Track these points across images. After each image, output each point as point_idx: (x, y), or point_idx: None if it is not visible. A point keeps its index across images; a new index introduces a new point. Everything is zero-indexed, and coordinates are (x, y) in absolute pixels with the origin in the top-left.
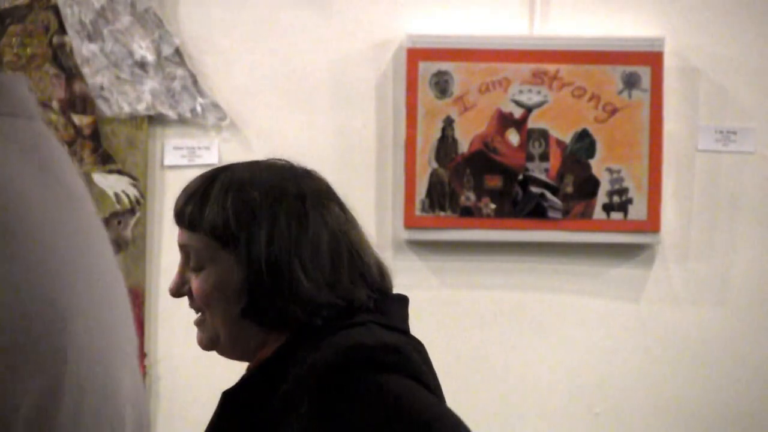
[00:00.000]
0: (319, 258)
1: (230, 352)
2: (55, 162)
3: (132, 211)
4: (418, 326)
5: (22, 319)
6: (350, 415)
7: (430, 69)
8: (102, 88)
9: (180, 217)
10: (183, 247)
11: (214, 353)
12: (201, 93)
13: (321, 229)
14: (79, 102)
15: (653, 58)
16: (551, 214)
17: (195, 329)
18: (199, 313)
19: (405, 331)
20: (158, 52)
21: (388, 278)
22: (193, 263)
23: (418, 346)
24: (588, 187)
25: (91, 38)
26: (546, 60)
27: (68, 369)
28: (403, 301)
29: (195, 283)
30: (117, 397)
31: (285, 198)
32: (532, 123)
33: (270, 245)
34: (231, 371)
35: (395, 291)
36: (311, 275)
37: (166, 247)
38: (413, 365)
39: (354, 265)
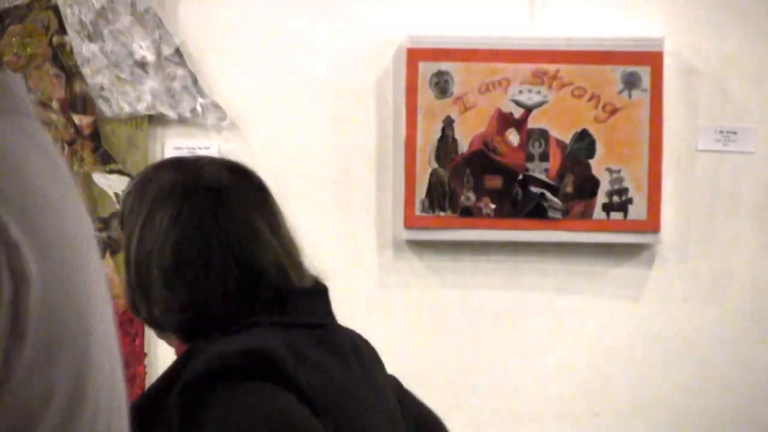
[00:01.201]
0: (184, 259)
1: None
2: (59, 160)
3: None
4: (418, 326)
5: (57, 315)
6: (207, 426)
7: (430, 69)
8: (102, 88)
9: None
10: None
11: None
12: (201, 93)
13: (192, 230)
14: (79, 102)
15: (653, 58)
16: (551, 214)
17: None
18: None
19: (310, 324)
20: (158, 52)
21: (296, 274)
22: None
23: (325, 339)
24: (588, 187)
25: (91, 38)
26: (546, 60)
27: (91, 370)
28: (312, 293)
29: None
30: (120, 400)
31: (169, 197)
32: (532, 123)
33: (139, 244)
34: None
35: (399, 294)
36: (170, 278)
37: None
38: (277, 370)
39: (232, 267)
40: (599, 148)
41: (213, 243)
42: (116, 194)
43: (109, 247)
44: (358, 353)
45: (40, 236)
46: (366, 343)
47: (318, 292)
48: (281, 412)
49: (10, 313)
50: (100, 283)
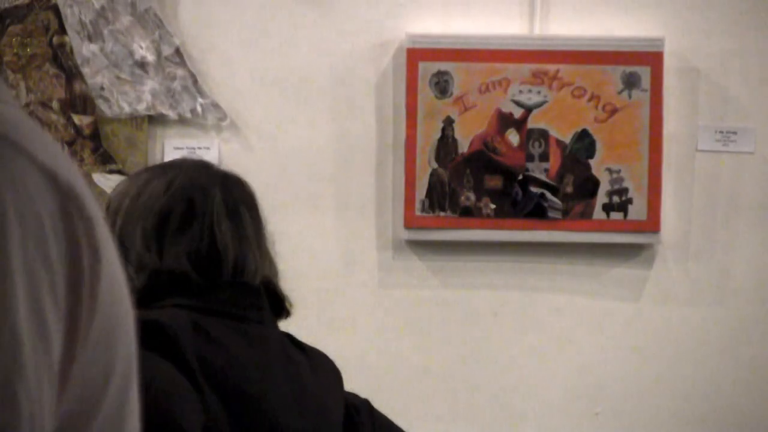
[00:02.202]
0: (167, 225)
1: None
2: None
3: None
4: (418, 326)
5: (117, 296)
6: None
7: (430, 69)
8: (102, 88)
9: None
10: None
11: None
12: (201, 93)
13: (179, 201)
14: (79, 102)
15: (653, 58)
16: (551, 214)
17: None
18: None
19: (230, 314)
20: (158, 52)
21: (249, 271)
22: None
23: (241, 329)
24: (588, 187)
25: (91, 38)
26: (546, 60)
27: (135, 358)
28: (241, 287)
29: None
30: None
31: (169, 169)
32: (532, 123)
33: (132, 202)
34: None
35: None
36: (150, 240)
37: None
38: (165, 342)
39: (203, 246)
40: (599, 148)
41: (196, 216)
42: None
43: None
44: (286, 352)
45: (102, 227)
46: (316, 353)
47: (249, 288)
48: (146, 376)
49: (89, 287)
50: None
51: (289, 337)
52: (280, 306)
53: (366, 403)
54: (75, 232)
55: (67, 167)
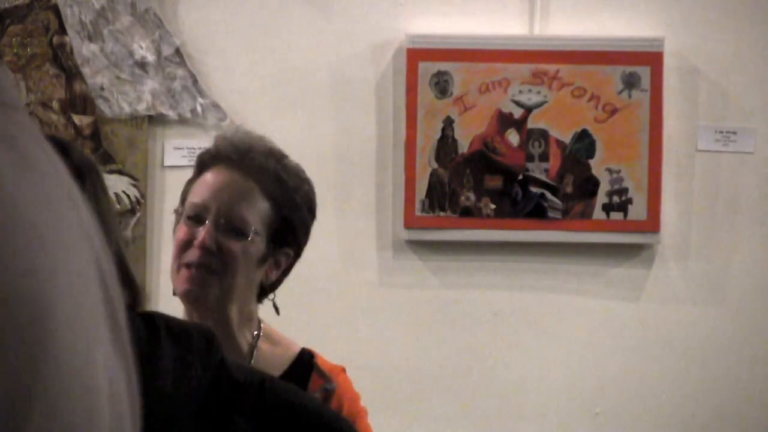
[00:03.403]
0: None
1: None
2: (33, 153)
3: (132, 211)
4: (418, 326)
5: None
6: None
7: (430, 69)
8: (102, 88)
9: None
10: None
11: None
12: (201, 93)
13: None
14: (79, 102)
15: (653, 58)
16: (551, 214)
17: None
18: None
19: None
20: (158, 53)
21: None
22: None
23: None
24: (588, 187)
25: (91, 38)
26: (546, 60)
27: (44, 369)
28: None
29: None
30: (93, 390)
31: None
32: (532, 123)
33: None
34: None
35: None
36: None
37: (166, 247)
38: None
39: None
40: (599, 148)
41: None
42: (116, 194)
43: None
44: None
45: None
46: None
47: None
48: None
49: None
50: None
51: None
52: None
53: (260, 382)
54: None
55: None
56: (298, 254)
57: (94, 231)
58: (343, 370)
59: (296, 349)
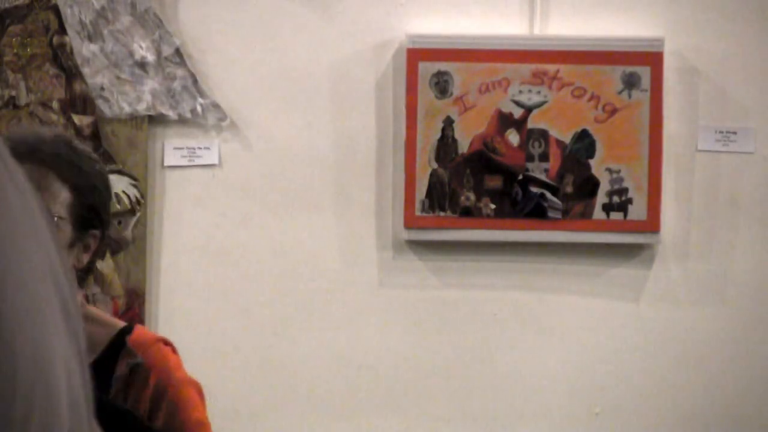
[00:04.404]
0: None
1: None
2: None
3: (132, 212)
4: (418, 326)
5: None
6: None
7: (430, 69)
8: (102, 88)
9: None
10: None
11: (217, 356)
12: (201, 93)
13: None
14: (79, 102)
15: (653, 58)
16: (551, 214)
17: (195, 329)
18: None
19: None
20: (158, 53)
21: None
22: None
23: None
24: (588, 187)
25: (91, 38)
26: (546, 60)
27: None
28: None
29: None
30: (51, 373)
31: None
32: (532, 123)
33: None
34: (231, 371)
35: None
36: None
37: (166, 247)
38: None
39: None
40: (599, 148)
41: None
42: (116, 194)
43: (108, 247)
44: None
45: None
46: None
47: None
48: None
49: None
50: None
51: None
52: None
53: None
54: None
55: None
56: (104, 234)
57: (44, 225)
58: (161, 340)
59: (118, 328)
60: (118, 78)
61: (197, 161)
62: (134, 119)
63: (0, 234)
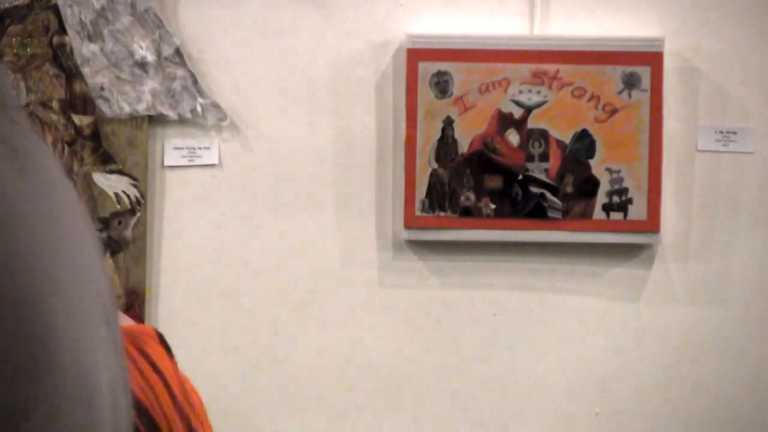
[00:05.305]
0: None
1: None
2: (30, 153)
3: (132, 211)
4: (418, 326)
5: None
6: None
7: (430, 69)
8: (102, 88)
9: None
10: None
11: (217, 356)
12: (201, 93)
13: None
14: (79, 102)
15: (653, 58)
16: (551, 214)
17: (195, 329)
18: None
19: None
20: (158, 53)
21: None
22: None
23: None
24: (588, 187)
25: (91, 38)
26: (546, 60)
27: (45, 368)
28: None
29: None
30: (93, 382)
31: None
32: (532, 123)
33: None
34: (231, 371)
35: (400, 294)
36: None
37: (167, 247)
38: None
39: None
40: (599, 148)
41: None
42: (116, 194)
43: (109, 247)
44: None
45: None
46: None
47: None
48: None
49: None
50: (79, 276)
51: None
52: None
53: None
54: None
55: None
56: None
57: (88, 226)
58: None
59: None
60: (118, 78)
61: (197, 161)
62: (134, 119)
63: (50, 239)
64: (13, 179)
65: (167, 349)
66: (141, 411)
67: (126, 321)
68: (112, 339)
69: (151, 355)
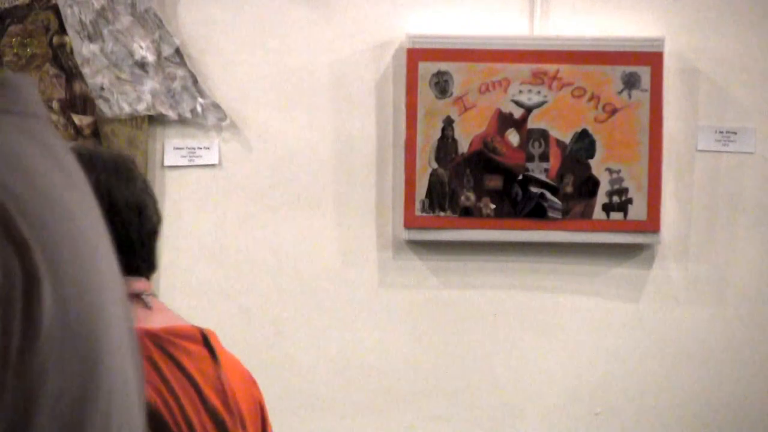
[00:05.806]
0: None
1: None
2: (70, 162)
3: None
4: (418, 326)
5: (69, 317)
6: None
7: (430, 69)
8: (102, 88)
9: None
10: None
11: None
12: (201, 93)
13: None
14: (79, 102)
15: (653, 58)
16: (551, 214)
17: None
18: None
19: None
20: (158, 53)
21: None
22: None
23: None
24: (588, 187)
25: (91, 38)
26: (546, 60)
27: (101, 374)
28: None
29: None
30: (130, 392)
31: None
32: (532, 123)
33: None
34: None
35: (400, 294)
36: None
37: (166, 247)
38: None
39: None
40: (599, 148)
41: None
42: None
43: None
44: None
45: (49, 236)
46: None
47: None
48: None
49: (23, 313)
50: (115, 289)
51: None
52: None
53: None
54: None
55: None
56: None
57: (107, 239)
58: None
59: None
60: (118, 78)
61: (197, 161)
62: (134, 119)
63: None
64: (67, 193)
65: (211, 351)
66: (150, 414)
67: (169, 317)
68: (131, 345)
69: (179, 358)
